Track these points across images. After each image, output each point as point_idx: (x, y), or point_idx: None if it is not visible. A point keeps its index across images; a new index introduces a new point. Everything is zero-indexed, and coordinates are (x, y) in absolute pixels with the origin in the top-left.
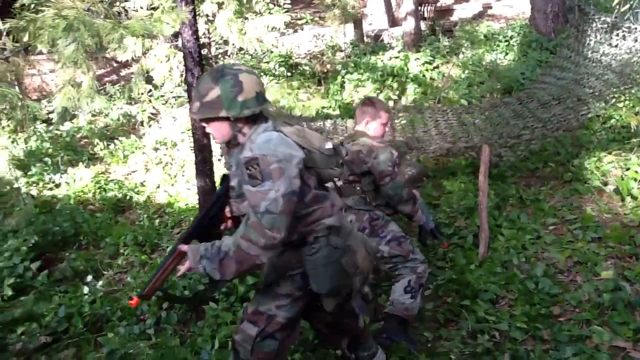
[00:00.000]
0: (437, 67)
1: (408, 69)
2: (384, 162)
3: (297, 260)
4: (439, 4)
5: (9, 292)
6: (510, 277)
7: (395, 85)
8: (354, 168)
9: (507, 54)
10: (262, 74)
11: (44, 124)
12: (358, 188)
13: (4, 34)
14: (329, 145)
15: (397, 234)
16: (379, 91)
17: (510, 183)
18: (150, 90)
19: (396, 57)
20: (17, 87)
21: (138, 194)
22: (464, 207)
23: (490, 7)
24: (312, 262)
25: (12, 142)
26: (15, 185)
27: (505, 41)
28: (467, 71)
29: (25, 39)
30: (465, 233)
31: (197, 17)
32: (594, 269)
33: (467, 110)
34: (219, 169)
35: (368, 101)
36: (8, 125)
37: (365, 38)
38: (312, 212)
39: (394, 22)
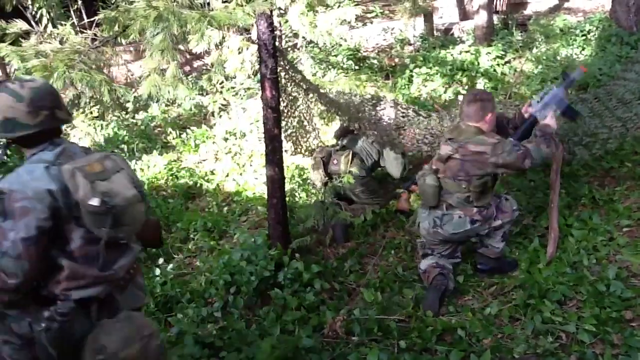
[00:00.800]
0: (508, 61)
1: (478, 64)
2: (512, 150)
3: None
4: None
5: None
6: (579, 278)
7: (464, 79)
8: (470, 169)
9: (584, 48)
10: (330, 67)
11: (123, 112)
12: (464, 186)
13: (94, 24)
14: (94, 201)
15: (498, 204)
16: (447, 86)
17: (583, 182)
18: (222, 82)
19: (466, 51)
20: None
21: (208, 181)
22: (532, 206)
23: (567, 0)
24: (38, 333)
25: (93, 129)
26: None
27: (583, 35)
28: (540, 66)
29: (115, 28)
30: (533, 232)
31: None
32: None
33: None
34: (284, 160)
35: (484, 94)
36: (91, 112)
37: (435, 32)
38: (63, 272)
39: (465, 15)
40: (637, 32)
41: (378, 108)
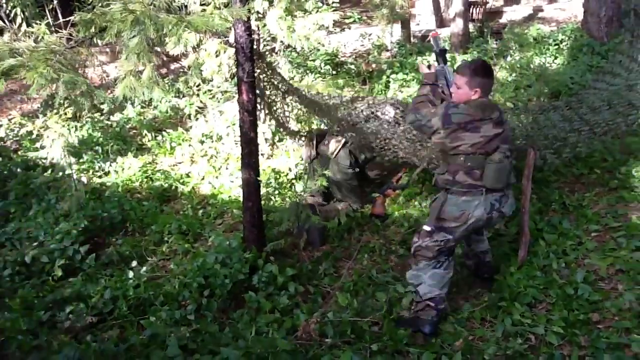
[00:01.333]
0: None
1: (454, 70)
2: None
3: None
4: (488, 6)
5: (59, 273)
6: (549, 281)
7: None
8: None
9: (556, 57)
10: (308, 71)
11: (97, 114)
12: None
13: (70, 24)
14: None
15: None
16: None
17: (554, 188)
18: (199, 85)
19: None
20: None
21: (183, 184)
22: None
23: (542, 10)
24: None
25: (67, 130)
26: (68, 172)
27: (555, 45)
28: (514, 74)
29: (92, 30)
30: (505, 237)
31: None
32: (636, 277)
33: (514, 112)
34: (260, 163)
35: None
36: (65, 113)
37: (412, 38)
38: None
39: (442, 23)
40: (607, 43)
41: (375, 110)
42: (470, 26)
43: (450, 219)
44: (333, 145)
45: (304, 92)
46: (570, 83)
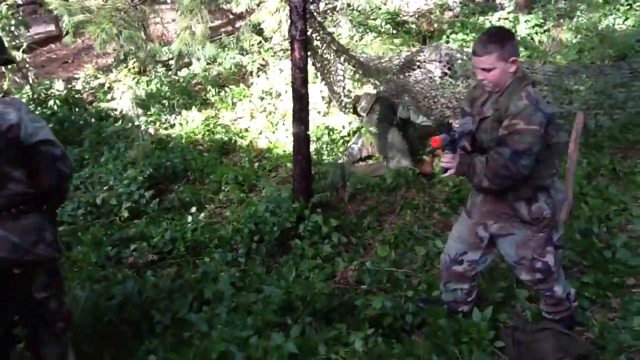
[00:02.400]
0: (547, 30)
1: (516, 31)
2: None
3: None
4: None
5: (126, 214)
6: (588, 245)
7: None
8: None
9: (627, 18)
10: (368, 30)
11: (164, 69)
12: None
13: None
14: None
15: None
16: None
17: (607, 153)
18: (260, 42)
19: (505, 18)
20: (142, 33)
21: (242, 138)
22: None
23: None
24: None
25: (137, 83)
26: (137, 123)
27: (628, 5)
28: (579, 36)
29: None
30: None
31: None
32: None
33: (572, 74)
34: (315, 120)
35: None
36: (133, 67)
37: None
38: None
39: None
40: None
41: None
42: None
43: None
44: (364, 103)
45: (354, 54)
46: (637, 46)
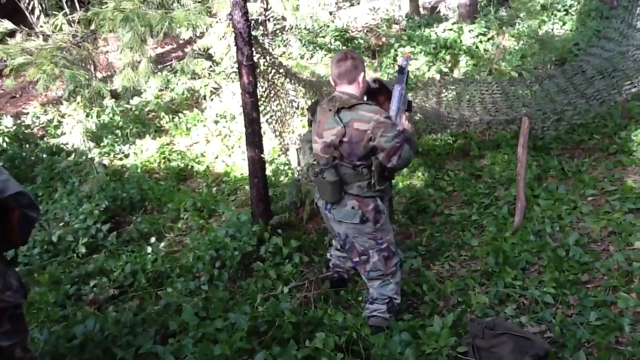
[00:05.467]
0: (491, 38)
1: (461, 41)
2: (392, 138)
3: None
4: None
5: (83, 250)
6: (542, 245)
7: (447, 57)
8: (357, 150)
9: (565, 23)
10: (317, 48)
11: (114, 100)
12: (365, 172)
13: (76, 22)
14: None
15: (391, 247)
16: (431, 64)
17: (554, 155)
18: (211, 66)
19: (450, 29)
20: (92, 67)
21: (198, 163)
22: (504, 178)
23: None
24: None
25: (87, 116)
26: (90, 156)
27: (564, 10)
28: (521, 42)
29: (92, 27)
30: (502, 203)
31: None
32: (628, 239)
33: (513, 83)
34: (270, 141)
35: (350, 52)
36: (82, 101)
37: (421, 10)
38: None
39: None
40: (617, 6)
41: None
42: None
43: None
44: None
45: (305, 74)
46: (575, 49)
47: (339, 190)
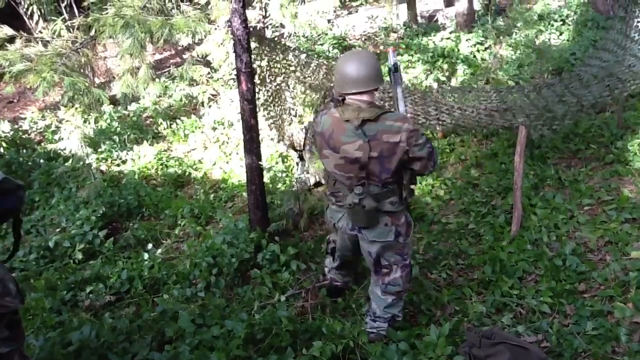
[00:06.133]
0: (488, 47)
1: (459, 50)
2: (424, 145)
3: None
4: None
5: (80, 256)
6: (539, 254)
7: (445, 66)
8: (390, 165)
9: (561, 33)
10: (316, 55)
11: (112, 106)
12: (395, 187)
13: (76, 28)
14: None
15: (411, 262)
16: (428, 72)
17: (551, 164)
18: (210, 73)
19: (447, 38)
20: (90, 73)
21: (196, 170)
22: (501, 187)
23: None
24: None
25: (85, 122)
26: (87, 162)
27: (561, 20)
28: (518, 51)
29: (92, 33)
30: (500, 212)
31: (255, 2)
32: (624, 249)
33: (511, 91)
34: (268, 148)
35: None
36: (80, 107)
37: (419, 18)
38: None
39: (449, 1)
40: (613, 17)
41: None
42: (477, 4)
43: None
44: (297, 137)
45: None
46: (572, 59)
47: (376, 214)
